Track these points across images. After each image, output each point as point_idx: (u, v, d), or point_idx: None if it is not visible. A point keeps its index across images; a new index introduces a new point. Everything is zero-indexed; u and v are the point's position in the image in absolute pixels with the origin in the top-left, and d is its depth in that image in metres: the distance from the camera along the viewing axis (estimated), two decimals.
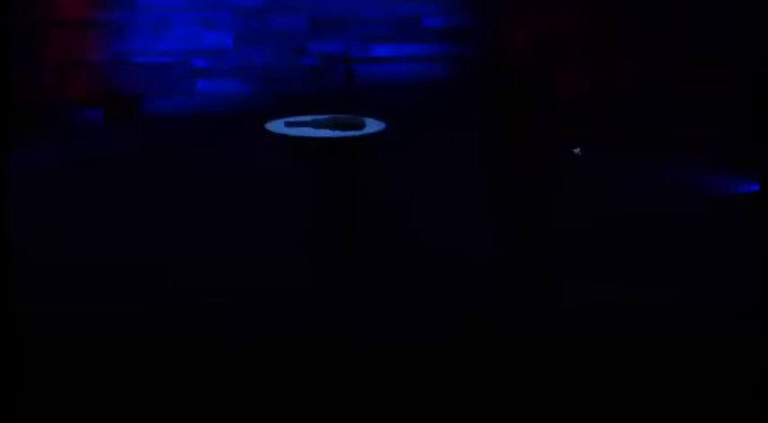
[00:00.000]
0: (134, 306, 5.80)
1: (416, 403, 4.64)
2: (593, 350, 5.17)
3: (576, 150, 5.48)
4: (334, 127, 6.18)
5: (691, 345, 5.17)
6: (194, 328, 5.45)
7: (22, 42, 10.79)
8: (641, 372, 4.93)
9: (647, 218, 7.34)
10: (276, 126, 6.28)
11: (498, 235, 5.59)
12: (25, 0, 10.75)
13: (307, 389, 4.75)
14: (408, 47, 11.46)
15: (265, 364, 4.97)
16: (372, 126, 6.32)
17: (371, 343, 5.28)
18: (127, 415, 4.56)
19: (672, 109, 9.90)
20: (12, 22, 9.34)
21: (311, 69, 11.46)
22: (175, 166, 9.04)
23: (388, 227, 7.03)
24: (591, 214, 7.35)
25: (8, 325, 4.64)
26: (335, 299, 5.80)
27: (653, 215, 7.40)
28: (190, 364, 4.98)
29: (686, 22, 10.30)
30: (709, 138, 8.35)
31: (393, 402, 4.65)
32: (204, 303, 5.80)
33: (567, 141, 6.68)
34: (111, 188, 8.32)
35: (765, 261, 5.40)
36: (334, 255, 6.32)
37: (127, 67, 11.34)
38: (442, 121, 10.78)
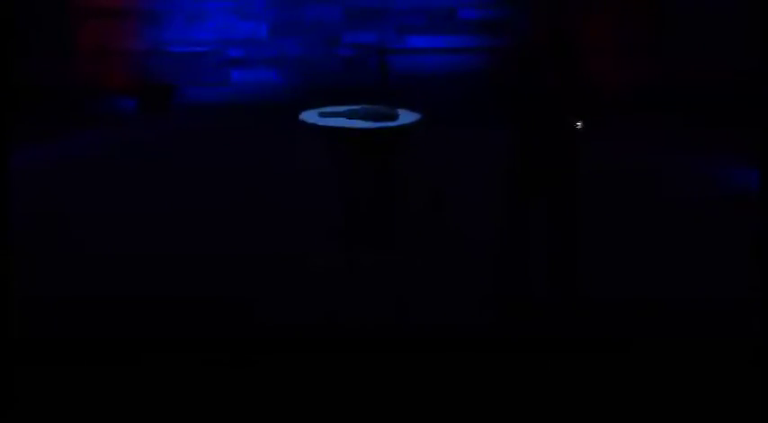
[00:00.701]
0: (161, 294, 5.79)
1: (445, 396, 4.63)
2: (617, 346, 5.14)
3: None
4: (367, 118, 6.15)
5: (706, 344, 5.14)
6: (226, 318, 5.45)
7: (58, 31, 10.85)
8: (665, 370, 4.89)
9: (676, 208, 7.31)
10: (310, 116, 6.26)
11: (522, 229, 5.57)
12: None
13: (340, 378, 4.74)
14: (443, 38, 11.42)
15: (296, 355, 4.96)
16: (406, 117, 6.28)
17: (404, 334, 5.26)
18: (154, 403, 4.56)
19: (703, 107, 9.90)
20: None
21: (346, 60, 11.45)
22: (209, 156, 9.05)
23: (422, 218, 7.00)
24: (617, 206, 7.34)
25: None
26: (368, 290, 5.78)
27: (681, 205, 7.36)
28: (222, 353, 4.98)
29: (719, 26, 10.27)
30: (738, 136, 8.28)
31: (422, 394, 4.63)
32: (236, 294, 5.79)
33: (597, 133, 6.68)
34: (144, 177, 8.34)
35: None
36: (366, 246, 6.30)
37: (162, 57, 11.37)
38: (476, 112, 10.72)
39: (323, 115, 6.29)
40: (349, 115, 6.24)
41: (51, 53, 10.73)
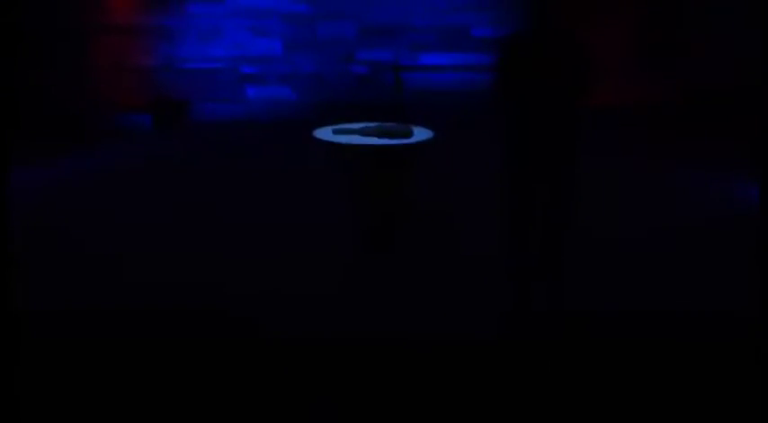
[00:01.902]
0: (172, 304, 5.80)
1: (452, 403, 4.62)
2: (611, 353, 5.16)
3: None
4: (381, 135, 6.15)
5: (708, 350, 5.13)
6: (231, 330, 5.45)
7: (72, 47, 10.90)
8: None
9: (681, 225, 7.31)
10: (324, 133, 6.27)
11: (521, 242, 5.63)
12: (75, 5, 10.86)
13: (344, 390, 4.73)
14: (457, 56, 11.43)
15: (302, 366, 4.95)
16: (420, 134, 6.28)
17: (409, 346, 5.25)
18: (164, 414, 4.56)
19: (714, 122, 9.93)
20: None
21: (360, 77, 11.47)
22: (222, 171, 9.07)
23: (432, 234, 7.00)
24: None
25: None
26: (376, 303, 5.78)
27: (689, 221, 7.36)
28: (227, 364, 4.98)
29: (734, 38, 10.28)
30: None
31: (429, 403, 4.62)
32: (242, 306, 5.79)
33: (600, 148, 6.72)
34: (158, 193, 8.36)
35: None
36: (378, 261, 6.30)
37: (176, 73, 11.41)
38: (489, 130, 10.71)
39: (337, 132, 6.30)
40: (363, 133, 6.25)
41: (66, 70, 10.77)
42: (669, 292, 6.02)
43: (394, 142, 6.08)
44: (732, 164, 8.90)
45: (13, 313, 4.73)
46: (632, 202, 8.03)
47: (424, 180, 6.86)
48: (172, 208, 7.86)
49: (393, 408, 4.63)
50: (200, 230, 7.27)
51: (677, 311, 5.73)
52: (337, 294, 5.95)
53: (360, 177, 6.28)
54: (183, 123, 11.23)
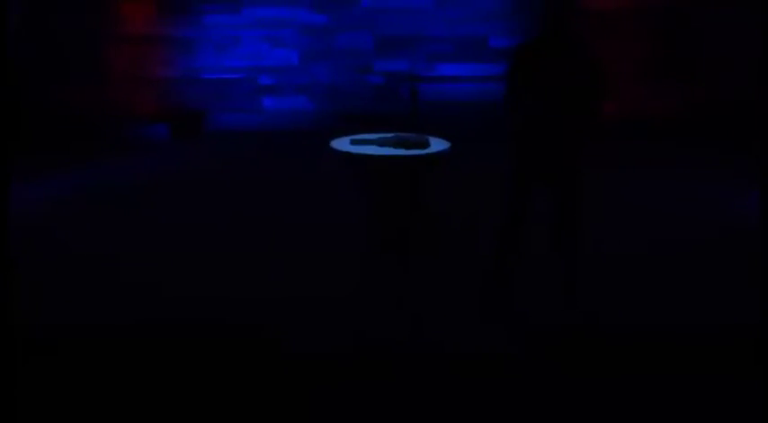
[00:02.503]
0: (194, 315, 5.81)
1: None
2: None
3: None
4: (398, 145, 6.15)
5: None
6: (253, 339, 5.46)
7: (91, 57, 10.96)
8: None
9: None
10: (341, 143, 6.26)
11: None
12: (94, 15, 10.93)
13: (363, 401, 4.72)
14: (474, 66, 11.45)
15: (320, 375, 4.95)
16: (437, 145, 6.27)
17: (422, 357, 5.24)
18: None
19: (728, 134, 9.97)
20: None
21: (376, 87, 11.50)
22: (239, 181, 9.09)
23: (448, 245, 6.99)
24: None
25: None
26: (392, 313, 5.77)
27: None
28: (247, 371, 4.98)
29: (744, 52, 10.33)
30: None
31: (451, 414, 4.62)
32: (261, 316, 5.79)
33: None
34: (175, 203, 8.38)
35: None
36: (394, 273, 6.30)
37: (194, 83, 11.47)
38: (506, 140, 10.71)
39: (354, 143, 6.30)
40: (380, 143, 6.24)
41: (85, 81, 10.84)
42: (681, 304, 6.00)
43: (410, 153, 6.07)
44: (736, 174, 8.91)
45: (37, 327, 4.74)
46: (638, 213, 8.02)
47: (441, 190, 6.86)
48: (187, 219, 7.88)
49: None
50: (214, 239, 7.28)
51: (684, 324, 5.71)
52: (351, 303, 5.94)
53: (376, 188, 6.28)
54: (200, 133, 11.28)
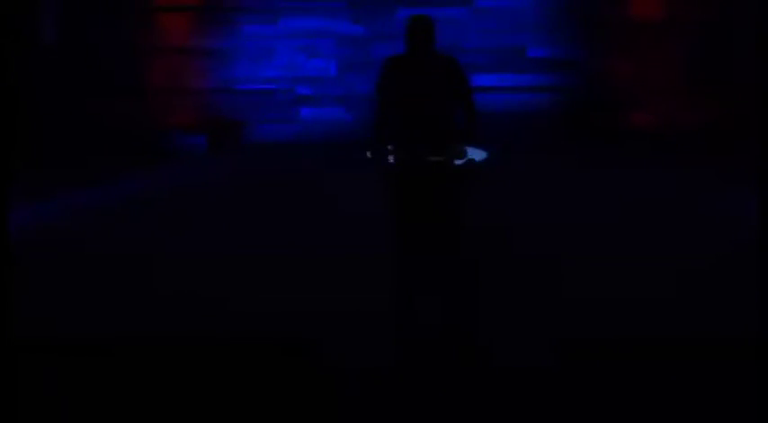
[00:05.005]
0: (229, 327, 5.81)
1: None
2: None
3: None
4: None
5: None
6: (287, 350, 5.43)
7: (129, 70, 11.03)
8: None
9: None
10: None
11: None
12: (132, 28, 11.01)
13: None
14: (513, 76, 11.41)
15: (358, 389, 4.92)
16: (474, 154, 6.24)
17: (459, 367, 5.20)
18: None
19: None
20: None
21: None
22: (277, 192, 9.09)
23: (486, 254, 6.95)
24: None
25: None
26: (430, 323, 5.74)
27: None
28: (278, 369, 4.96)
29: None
30: None
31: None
32: (295, 329, 5.77)
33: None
34: (213, 214, 8.40)
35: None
36: (427, 281, 6.25)
37: (231, 94, 11.51)
38: (543, 149, 10.69)
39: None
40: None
41: (123, 93, 10.91)
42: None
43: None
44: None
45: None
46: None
47: (481, 200, 6.82)
48: (224, 230, 7.88)
49: None
50: (251, 251, 7.27)
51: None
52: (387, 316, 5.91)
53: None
54: (237, 144, 11.31)
